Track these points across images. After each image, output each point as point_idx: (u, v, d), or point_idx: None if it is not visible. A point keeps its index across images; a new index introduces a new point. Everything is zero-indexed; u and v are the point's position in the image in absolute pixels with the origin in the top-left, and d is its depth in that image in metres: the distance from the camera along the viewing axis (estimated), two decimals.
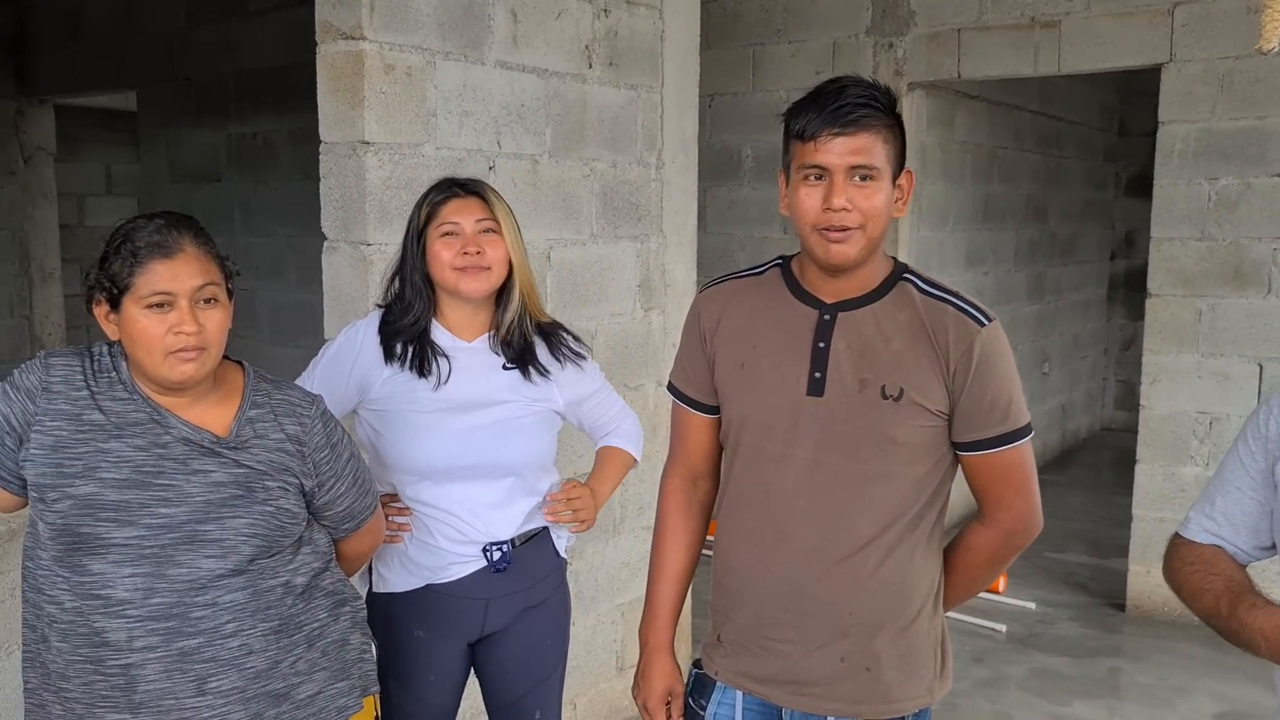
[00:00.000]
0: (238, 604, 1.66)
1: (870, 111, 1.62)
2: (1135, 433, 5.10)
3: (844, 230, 1.63)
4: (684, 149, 3.77)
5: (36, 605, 1.65)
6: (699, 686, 1.88)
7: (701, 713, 1.86)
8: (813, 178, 1.65)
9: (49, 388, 1.64)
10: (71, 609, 1.61)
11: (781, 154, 1.73)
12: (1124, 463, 5.65)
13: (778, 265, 1.83)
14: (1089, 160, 8.47)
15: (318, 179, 2.81)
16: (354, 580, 2.09)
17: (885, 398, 1.66)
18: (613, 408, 2.37)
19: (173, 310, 1.62)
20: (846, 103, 1.61)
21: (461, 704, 2.28)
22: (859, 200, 1.63)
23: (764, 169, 5.89)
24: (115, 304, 1.64)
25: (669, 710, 1.91)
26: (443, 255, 2.09)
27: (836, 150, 1.62)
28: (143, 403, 1.67)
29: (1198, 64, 4.77)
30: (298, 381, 2.14)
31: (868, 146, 1.62)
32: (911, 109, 5.60)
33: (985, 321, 1.68)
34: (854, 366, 1.69)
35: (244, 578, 1.67)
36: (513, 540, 2.18)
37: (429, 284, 2.14)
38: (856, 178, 1.63)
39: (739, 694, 1.81)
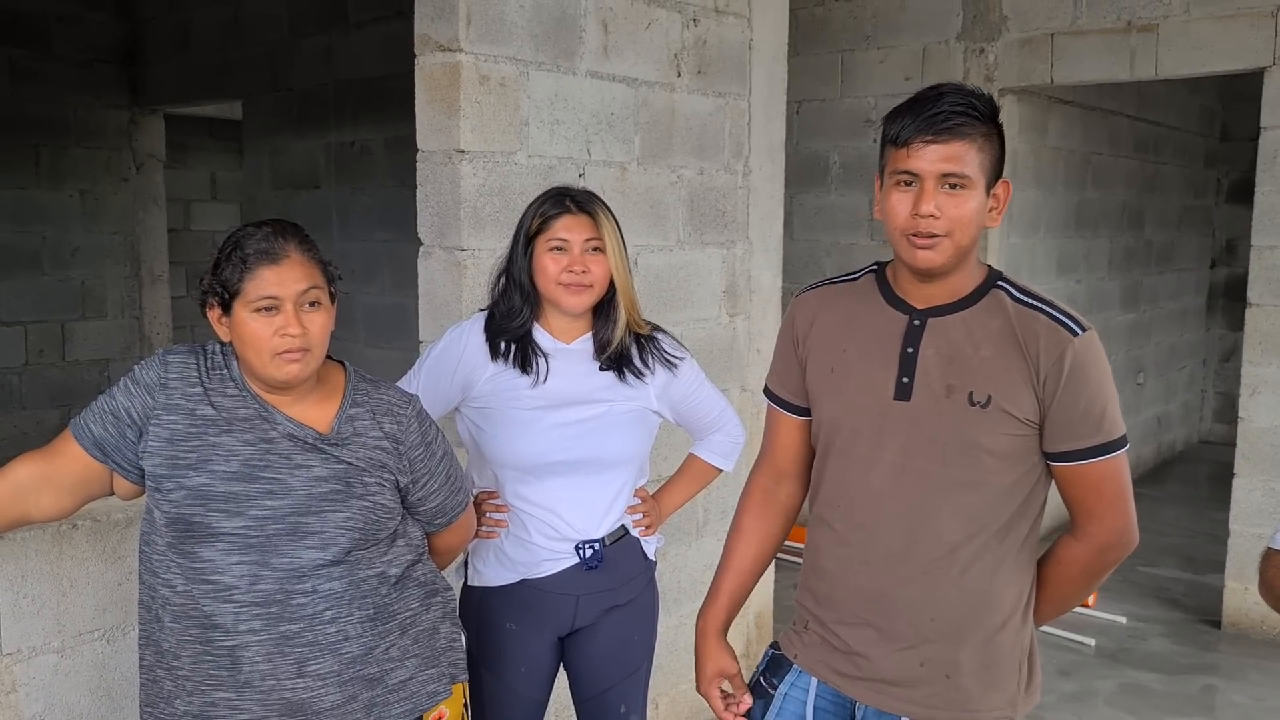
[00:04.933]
0: (336, 592, 1.74)
1: (965, 120, 1.62)
2: (1234, 446, 4.96)
3: (931, 237, 1.64)
4: (771, 156, 3.79)
5: (151, 588, 1.75)
6: (774, 666, 1.90)
7: (772, 691, 1.87)
8: (904, 183, 1.66)
9: (166, 383, 1.74)
10: (184, 592, 1.70)
11: (878, 157, 1.74)
12: (1222, 477, 5.49)
13: (873, 271, 1.84)
14: (1188, 166, 8.25)
15: (413, 186, 2.90)
16: (449, 574, 2.17)
17: (973, 404, 1.66)
18: (712, 409, 2.40)
19: (279, 313, 1.70)
20: (941, 110, 1.62)
21: (551, 697, 2.34)
22: (948, 208, 1.63)
23: (851, 175, 5.87)
24: (227, 308, 1.72)
25: (728, 694, 1.93)
26: (549, 269, 2.16)
27: (928, 157, 1.62)
28: (251, 399, 1.76)
29: None
30: (403, 381, 2.24)
31: (960, 155, 1.62)
32: (1003, 115, 5.49)
33: (1079, 331, 1.66)
34: (942, 372, 1.69)
35: (342, 568, 1.75)
36: (603, 539, 2.25)
37: (534, 288, 2.21)
38: (947, 185, 1.63)
39: (814, 680, 1.83)
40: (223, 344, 1.80)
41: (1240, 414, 4.91)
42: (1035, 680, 1.81)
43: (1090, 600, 5.07)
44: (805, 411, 1.89)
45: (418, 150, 2.88)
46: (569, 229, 2.16)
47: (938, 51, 5.55)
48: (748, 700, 1.90)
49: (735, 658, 1.96)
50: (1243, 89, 7.31)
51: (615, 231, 2.20)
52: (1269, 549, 1.76)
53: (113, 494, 1.82)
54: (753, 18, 3.63)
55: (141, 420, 1.73)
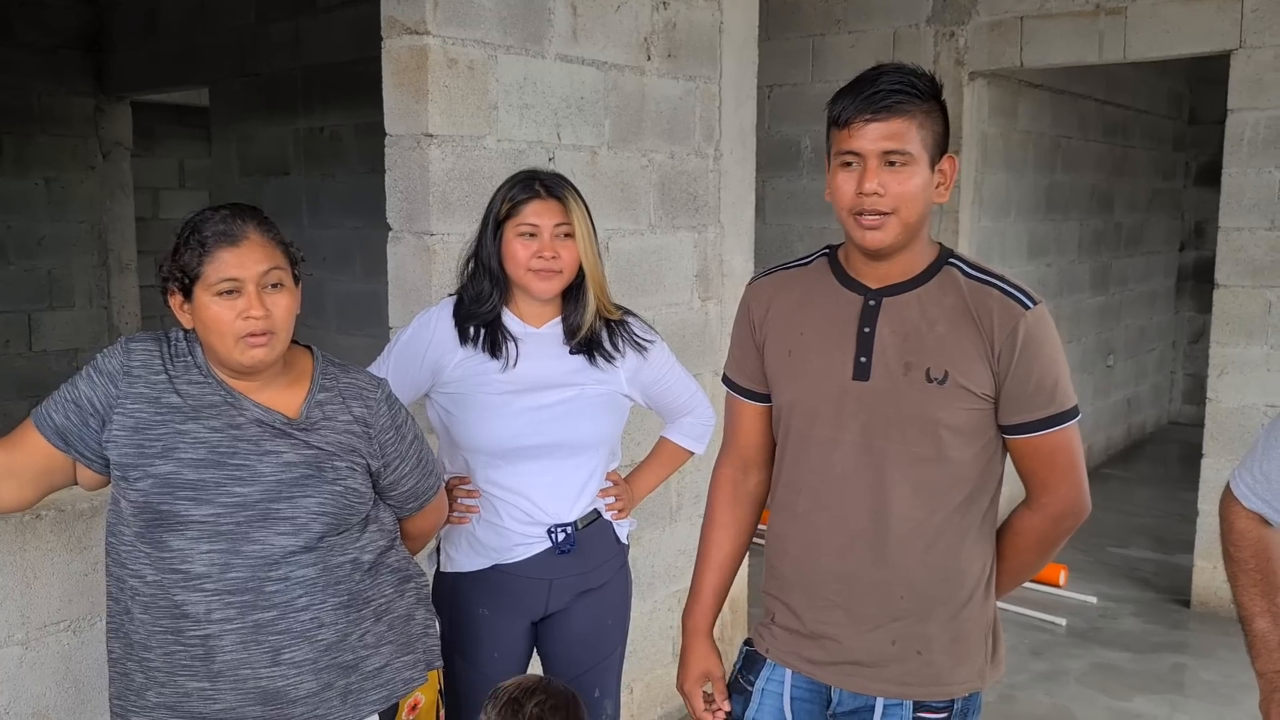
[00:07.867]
0: (309, 579, 1.73)
1: (904, 97, 1.64)
2: (1203, 427, 5.01)
3: (877, 215, 1.66)
4: (742, 140, 3.78)
5: (120, 579, 1.73)
6: (748, 663, 1.92)
7: (749, 688, 1.89)
8: (848, 163, 1.68)
9: (129, 371, 1.72)
10: (153, 582, 1.69)
11: (825, 141, 1.76)
12: (1191, 457, 5.55)
13: (825, 254, 1.86)
14: (1157, 149, 8.31)
15: (383, 172, 2.88)
16: (422, 561, 2.16)
17: (930, 381, 1.68)
18: (683, 392, 2.41)
19: (241, 296, 1.68)
20: (880, 89, 1.64)
21: None
22: (891, 185, 1.65)
23: (823, 160, 5.84)
24: (188, 293, 1.70)
25: (710, 696, 1.95)
26: (519, 254, 2.15)
27: (869, 136, 1.64)
28: (217, 386, 1.74)
29: (1269, 50, 4.67)
30: (372, 367, 2.22)
31: (900, 132, 1.64)
32: (973, 98, 5.55)
33: (1030, 304, 1.69)
34: (899, 351, 1.71)
35: (314, 554, 1.73)
36: (575, 523, 2.24)
37: (503, 273, 2.19)
38: (889, 163, 1.65)
39: (788, 672, 1.85)
40: (186, 331, 1.78)
41: (1209, 395, 4.97)
42: (1000, 652, 1.84)
43: (1061, 580, 5.12)
44: (766, 398, 1.90)
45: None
46: (538, 214, 2.15)
47: (908, 35, 5.56)
48: (726, 706, 1.92)
49: (721, 660, 1.97)
50: (1210, 72, 7.37)
51: (585, 216, 2.19)
52: (1230, 494, 1.84)
53: (76, 484, 1.79)
54: (723, 1, 3.62)
55: (104, 409, 1.70)
